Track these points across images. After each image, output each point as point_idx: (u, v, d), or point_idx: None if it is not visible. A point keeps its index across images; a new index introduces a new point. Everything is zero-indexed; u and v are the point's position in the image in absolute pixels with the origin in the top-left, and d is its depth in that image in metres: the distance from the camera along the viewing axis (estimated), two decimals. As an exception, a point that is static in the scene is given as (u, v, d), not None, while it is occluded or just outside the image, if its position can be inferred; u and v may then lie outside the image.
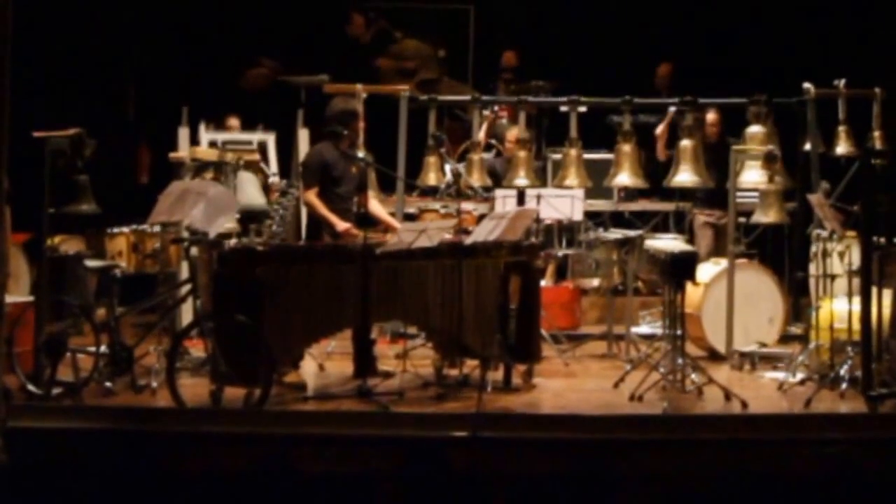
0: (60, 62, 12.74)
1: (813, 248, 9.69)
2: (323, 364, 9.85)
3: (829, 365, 9.08)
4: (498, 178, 11.61)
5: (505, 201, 10.74)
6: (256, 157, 11.44)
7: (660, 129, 11.48)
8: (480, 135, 11.73)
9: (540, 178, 11.70)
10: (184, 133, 11.28)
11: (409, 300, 8.75)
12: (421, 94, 11.89)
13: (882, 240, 8.52)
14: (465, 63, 14.46)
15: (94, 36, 13.10)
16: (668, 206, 12.01)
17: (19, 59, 6.92)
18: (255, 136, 11.83)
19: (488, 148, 12.44)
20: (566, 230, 11.79)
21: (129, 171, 13.05)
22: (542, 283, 10.63)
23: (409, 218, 11.16)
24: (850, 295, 8.91)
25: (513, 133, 11.98)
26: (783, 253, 11.43)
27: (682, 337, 9.07)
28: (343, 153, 9.39)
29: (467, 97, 12.19)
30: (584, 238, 11.14)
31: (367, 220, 9.12)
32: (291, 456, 6.93)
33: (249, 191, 10.77)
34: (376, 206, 9.78)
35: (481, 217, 10.23)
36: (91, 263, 9.31)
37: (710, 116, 11.69)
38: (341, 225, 9.23)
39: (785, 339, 10.48)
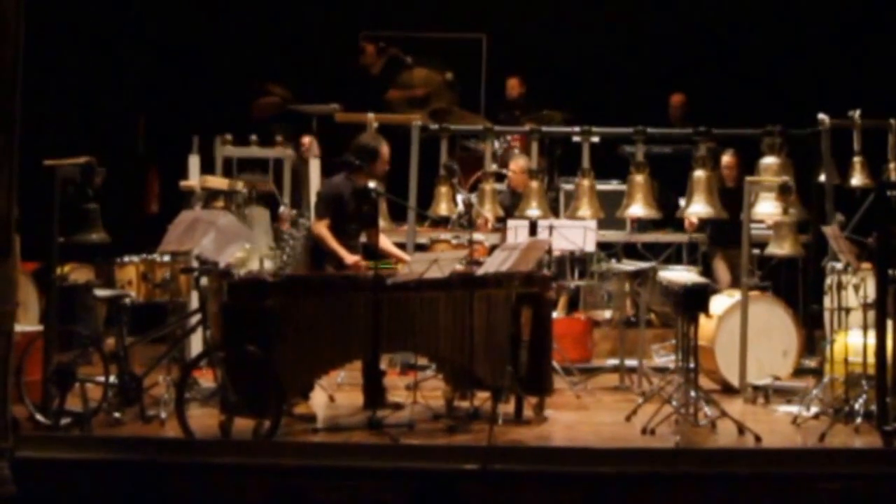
0: (71, 91, 12.76)
1: (827, 281, 9.62)
2: (333, 395, 9.79)
3: (843, 399, 8.99)
4: (506, 210, 11.57)
5: (517, 232, 10.69)
6: (271, 186, 11.37)
7: None
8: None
9: (552, 209, 11.65)
10: (194, 161, 11.24)
11: (419, 331, 8.69)
12: (432, 124, 11.86)
13: (897, 272, 8.47)
14: (478, 93, 14.44)
15: (105, 64, 13.13)
16: (681, 238, 11.95)
17: (30, 88, 6.91)
18: (273, 153, 11.70)
19: (500, 178, 12.39)
20: (578, 261, 11.76)
21: (138, 199, 13.05)
22: (554, 314, 10.57)
23: (420, 248, 11.11)
24: (864, 328, 8.83)
25: (517, 163, 11.94)
26: (797, 285, 11.39)
27: (695, 370, 8.99)
28: (356, 189, 9.30)
29: (479, 127, 12.17)
30: (597, 269, 11.07)
31: (375, 255, 9.06)
32: (301, 487, 6.90)
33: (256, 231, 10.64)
34: (385, 242, 9.71)
35: (493, 248, 10.17)
36: (100, 293, 9.30)
37: (727, 158, 11.61)
38: (350, 258, 9.17)
39: (799, 372, 10.41)
